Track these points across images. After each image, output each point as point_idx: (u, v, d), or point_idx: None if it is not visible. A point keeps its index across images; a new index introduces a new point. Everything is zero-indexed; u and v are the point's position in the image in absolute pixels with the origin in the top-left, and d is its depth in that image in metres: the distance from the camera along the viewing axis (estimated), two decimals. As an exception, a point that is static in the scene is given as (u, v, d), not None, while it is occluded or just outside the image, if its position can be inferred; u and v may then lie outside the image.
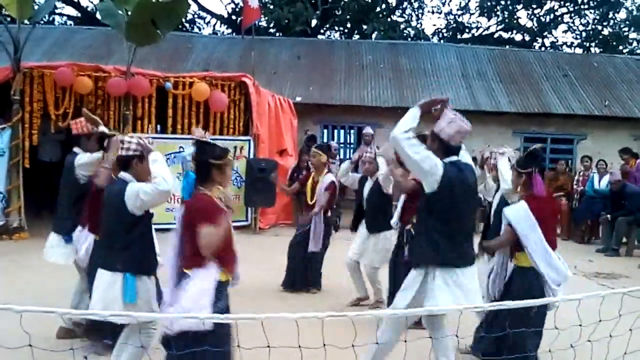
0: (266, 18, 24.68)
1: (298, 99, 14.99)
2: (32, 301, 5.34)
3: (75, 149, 5.13)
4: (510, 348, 3.84)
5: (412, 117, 3.84)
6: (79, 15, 28.13)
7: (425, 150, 3.78)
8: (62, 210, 5.06)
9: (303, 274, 6.94)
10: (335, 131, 16.18)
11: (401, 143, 3.75)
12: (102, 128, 5.04)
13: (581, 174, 12.78)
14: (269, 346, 2.59)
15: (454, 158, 3.94)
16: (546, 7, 28.39)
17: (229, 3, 28.61)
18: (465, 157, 4.09)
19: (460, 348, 4.56)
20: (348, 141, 16.08)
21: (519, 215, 4.31)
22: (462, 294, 3.77)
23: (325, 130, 15.92)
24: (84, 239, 4.54)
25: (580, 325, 2.98)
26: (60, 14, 28.66)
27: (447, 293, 3.75)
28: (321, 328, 2.49)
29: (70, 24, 27.22)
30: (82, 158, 4.92)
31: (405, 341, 3.04)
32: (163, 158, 3.92)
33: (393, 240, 5.86)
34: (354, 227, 6.66)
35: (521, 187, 4.47)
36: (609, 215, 11.00)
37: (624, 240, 10.90)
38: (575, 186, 12.62)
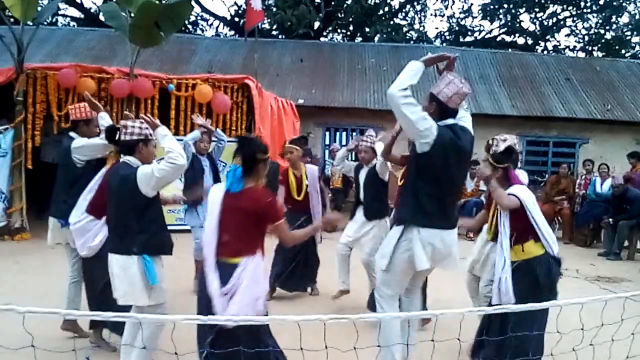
0: (269, 20, 24.71)
1: (300, 101, 15.00)
2: (34, 302, 5.34)
3: (72, 134, 5.11)
4: (512, 353, 3.77)
5: (413, 73, 3.77)
6: (83, 16, 28.18)
7: (421, 111, 3.70)
8: (58, 194, 5.05)
9: (298, 271, 6.89)
10: (338, 133, 16.18)
11: (397, 101, 3.66)
12: (104, 114, 5.04)
13: (583, 177, 12.77)
14: (271, 348, 2.59)
15: (450, 121, 3.87)
16: (549, 10, 28.43)
17: (232, 5, 28.73)
18: (466, 119, 4.02)
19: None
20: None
21: (526, 194, 4.18)
22: (440, 257, 3.79)
23: (328, 133, 15.92)
24: (99, 229, 4.47)
25: (582, 329, 2.98)
26: (64, 15, 28.78)
27: (424, 254, 3.74)
28: (323, 330, 2.49)
29: (74, 25, 27.27)
30: (79, 142, 4.91)
31: (408, 345, 3.04)
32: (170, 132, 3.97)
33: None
34: (352, 216, 6.56)
35: (497, 181, 4.32)
36: (611, 219, 10.99)
37: (626, 244, 10.89)
38: (577, 190, 12.61)
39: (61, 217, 4.89)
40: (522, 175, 9.22)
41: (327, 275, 7.12)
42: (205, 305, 3.37)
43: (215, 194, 3.58)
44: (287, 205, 6.70)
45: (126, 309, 3.75)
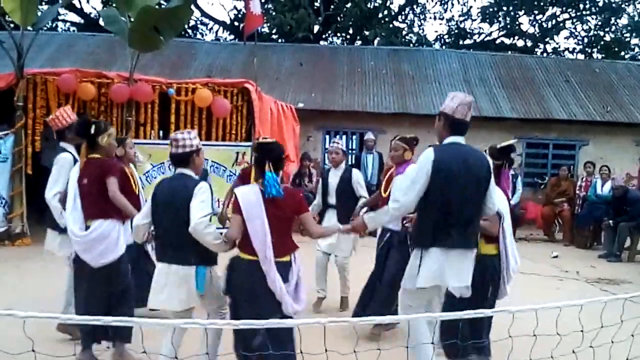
0: (268, 24, 24.73)
1: (300, 105, 15.00)
2: (34, 306, 5.34)
3: (62, 144, 5.12)
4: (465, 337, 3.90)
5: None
6: (82, 21, 28.23)
7: (404, 184, 3.93)
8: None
9: None
10: (338, 137, 16.16)
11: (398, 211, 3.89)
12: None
13: (583, 179, 12.79)
14: (270, 353, 2.60)
15: (455, 139, 3.94)
16: (548, 13, 28.44)
17: (232, 9, 28.85)
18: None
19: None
20: (350, 147, 16.08)
21: (503, 203, 4.33)
22: (450, 275, 3.81)
23: (327, 136, 15.93)
24: (118, 231, 4.47)
25: (582, 331, 2.98)
26: (64, 21, 28.79)
27: (428, 270, 3.82)
28: (322, 334, 2.49)
29: (74, 31, 27.33)
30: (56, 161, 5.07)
31: (406, 347, 3.04)
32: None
33: None
34: (320, 220, 6.48)
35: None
36: (611, 221, 11.01)
37: (626, 245, 10.90)
38: (577, 191, 12.63)
39: (57, 226, 4.90)
40: (519, 184, 9.29)
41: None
42: (257, 304, 3.53)
43: (251, 198, 3.66)
44: None
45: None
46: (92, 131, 4.42)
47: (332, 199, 6.44)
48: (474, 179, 3.86)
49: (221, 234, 3.81)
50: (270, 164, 3.68)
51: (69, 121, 5.11)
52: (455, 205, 3.81)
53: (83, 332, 4.33)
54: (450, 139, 3.94)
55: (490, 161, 4.20)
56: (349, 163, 7.60)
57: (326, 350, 2.58)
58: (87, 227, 4.42)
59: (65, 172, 4.80)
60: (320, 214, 6.55)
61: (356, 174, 6.41)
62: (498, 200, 4.21)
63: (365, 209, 6.35)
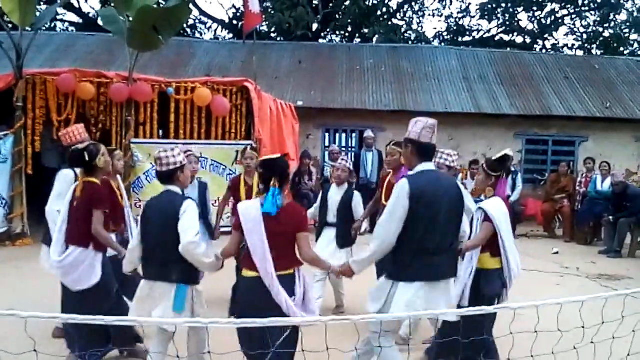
0: (267, 23, 24.71)
1: (300, 103, 15.00)
2: (35, 307, 5.34)
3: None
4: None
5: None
6: (81, 21, 28.21)
7: (383, 219, 3.83)
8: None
9: None
10: (337, 135, 16.18)
11: (380, 248, 3.80)
12: None
13: (583, 175, 12.78)
14: (273, 350, 2.60)
15: (425, 167, 3.89)
16: (547, 9, 28.38)
17: (230, 8, 28.79)
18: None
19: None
20: (350, 145, 16.08)
21: (501, 210, 4.40)
22: (421, 307, 3.68)
23: (327, 134, 15.93)
24: (93, 258, 4.41)
25: (583, 327, 2.98)
26: (62, 21, 28.78)
27: (403, 307, 3.69)
28: (324, 332, 2.50)
29: (72, 31, 27.31)
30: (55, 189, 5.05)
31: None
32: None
33: None
34: (317, 237, 6.34)
35: (489, 189, 4.58)
36: (611, 217, 11.00)
37: (627, 241, 10.90)
38: (577, 188, 12.63)
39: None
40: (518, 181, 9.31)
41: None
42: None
43: (251, 213, 3.65)
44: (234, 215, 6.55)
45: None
46: (87, 158, 4.41)
47: (331, 217, 6.26)
48: (452, 203, 3.85)
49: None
50: (276, 180, 3.68)
51: (78, 139, 5.13)
52: (438, 233, 3.78)
53: (82, 340, 4.32)
54: (421, 167, 3.88)
55: (483, 176, 4.53)
56: (352, 182, 7.38)
57: (328, 349, 2.58)
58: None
59: (66, 188, 4.79)
60: (317, 233, 6.40)
61: (357, 197, 6.23)
62: (498, 209, 4.36)
63: (364, 221, 6.38)
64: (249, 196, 6.21)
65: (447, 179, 4.08)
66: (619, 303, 3.18)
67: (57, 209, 4.80)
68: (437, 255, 3.77)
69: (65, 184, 4.93)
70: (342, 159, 6.40)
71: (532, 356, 2.95)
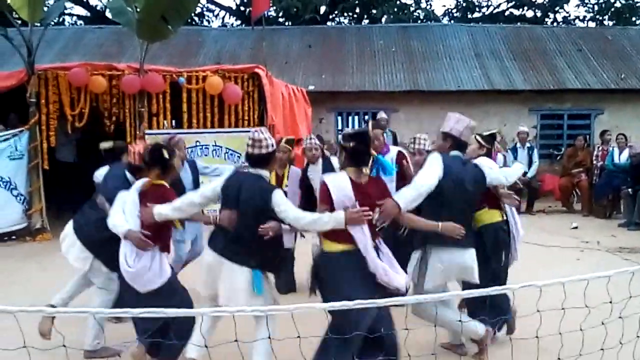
0: (275, 7, 24.58)
1: (311, 87, 14.97)
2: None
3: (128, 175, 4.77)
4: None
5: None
6: (89, 14, 28.21)
7: (424, 183, 3.97)
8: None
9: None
10: (350, 117, 16.13)
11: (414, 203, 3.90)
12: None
13: (600, 148, 12.68)
14: (299, 337, 2.60)
15: (457, 152, 4.34)
16: (557, -19, 27.97)
17: (237, -6, 28.52)
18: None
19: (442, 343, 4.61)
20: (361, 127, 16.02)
21: (496, 170, 4.68)
22: (453, 271, 4.18)
23: (340, 117, 15.88)
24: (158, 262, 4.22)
25: (610, 302, 2.95)
26: (70, 14, 28.80)
27: (437, 269, 4.11)
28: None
29: (81, 24, 27.32)
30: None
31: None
32: None
33: None
34: None
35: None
36: (630, 189, 10.90)
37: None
38: (594, 161, 12.53)
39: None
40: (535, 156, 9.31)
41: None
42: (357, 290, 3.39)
43: (343, 186, 3.66)
44: None
45: None
46: (166, 155, 4.25)
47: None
48: (472, 183, 4.23)
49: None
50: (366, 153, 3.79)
51: (139, 161, 4.83)
52: (457, 207, 4.13)
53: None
54: (453, 153, 4.34)
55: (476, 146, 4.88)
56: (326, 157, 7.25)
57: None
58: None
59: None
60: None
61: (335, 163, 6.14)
62: (492, 170, 4.58)
63: None
64: (279, 185, 6.12)
65: (470, 163, 4.45)
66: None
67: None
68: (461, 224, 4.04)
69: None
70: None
71: (560, 333, 2.93)
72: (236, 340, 2.56)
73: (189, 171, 6.27)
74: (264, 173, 3.96)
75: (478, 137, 4.93)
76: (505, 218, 4.76)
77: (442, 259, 4.10)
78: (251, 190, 3.85)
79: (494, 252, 4.57)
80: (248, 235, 3.77)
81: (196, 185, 6.16)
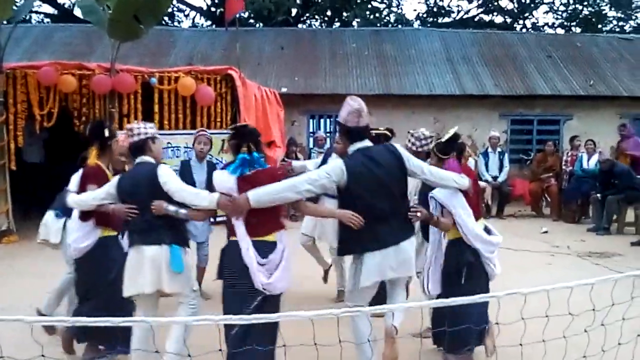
0: (248, 9, 24.46)
1: (284, 89, 14.91)
2: (31, 308, 5.21)
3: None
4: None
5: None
6: (56, 12, 27.76)
7: (319, 179, 3.88)
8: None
9: None
10: (322, 120, 16.11)
11: (302, 195, 3.87)
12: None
13: (569, 154, 12.87)
14: (284, 345, 2.55)
15: (358, 145, 4.05)
16: (526, -13, 28.38)
17: (209, -5, 28.34)
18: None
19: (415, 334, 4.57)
20: (335, 130, 16.00)
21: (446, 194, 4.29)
22: (389, 270, 3.96)
23: (312, 120, 15.86)
24: (89, 231, 4.54)
25: (593, 309, 2.95)
26: (37, 12, 28.26)
27: (367, 270, 3.94)
28: (336, 324, 2.46)
29: (48, 22, 26.86)
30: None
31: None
32: None
33: None
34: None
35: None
36: (598, 195, 11.07)
37: (615, 218, 10.97)
38: (564, 167, 12.71)
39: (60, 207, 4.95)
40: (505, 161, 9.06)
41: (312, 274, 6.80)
42: (236, 281, 3.73)
43: (224, 178, 3.83)
44: None
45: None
46: (107, 134, 4.68)
47: None
48: (386, 171, 3.98)
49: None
50: (248, 146, 3.86)
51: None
52: (376, 204, 3.93)
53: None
54: (354, 146, 4.07)
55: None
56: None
57: (340, 342, 2.54)
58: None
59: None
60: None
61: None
62: (444, 192, 4.24)
63: None
64: None
65: (383, 147, 4.15)
66: (625, 284, 3.14)
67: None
68: (381, 223, 3.93)
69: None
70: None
71: (543, 341, 2.92)
72: (220, 350, 2.50)
73: (205, 170, 6.34)
74: (147, 158, 4.15)
75: (434, 149, 4.59)
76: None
77: (375, 255, 3.95)
78: (141, 174, 4.11)
79: (455, 270, 4.26)
80: (150, 217, 3.96)
81: (209, 185, 6.13)
